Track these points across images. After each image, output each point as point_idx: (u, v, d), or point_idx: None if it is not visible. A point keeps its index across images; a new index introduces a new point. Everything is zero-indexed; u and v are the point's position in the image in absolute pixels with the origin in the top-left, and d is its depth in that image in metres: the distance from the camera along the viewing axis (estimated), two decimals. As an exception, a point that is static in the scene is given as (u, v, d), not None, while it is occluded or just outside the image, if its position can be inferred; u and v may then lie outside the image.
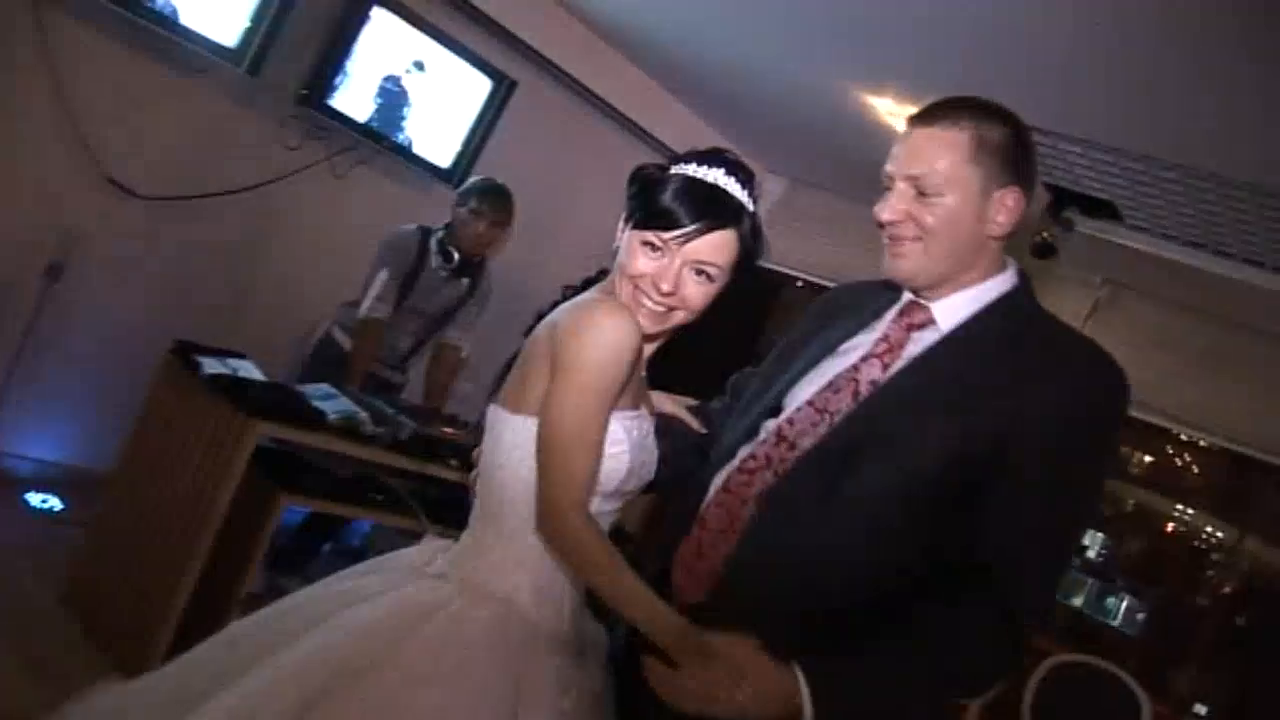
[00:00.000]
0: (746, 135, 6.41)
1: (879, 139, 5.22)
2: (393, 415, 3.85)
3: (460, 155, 5.23)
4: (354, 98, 4.80)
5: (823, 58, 4.65)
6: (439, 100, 5.11)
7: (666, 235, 1.80)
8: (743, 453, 1.88)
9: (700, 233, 1.80)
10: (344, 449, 3.68)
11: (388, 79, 4.93)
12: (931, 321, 1.85)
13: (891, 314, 1.91)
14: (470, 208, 4.64)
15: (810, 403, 1.84)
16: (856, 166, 5.85)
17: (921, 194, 1.79)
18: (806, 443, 1.79)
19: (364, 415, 3.73)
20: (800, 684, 1.59)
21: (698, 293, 1.84)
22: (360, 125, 4.80)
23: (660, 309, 1.84)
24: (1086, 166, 4.44)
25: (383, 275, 4.56)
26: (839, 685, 1.62)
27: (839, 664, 1.64)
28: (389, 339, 4.76)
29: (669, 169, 1.87)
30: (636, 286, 1.83)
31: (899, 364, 1.81)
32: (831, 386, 1.84)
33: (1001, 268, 1.86)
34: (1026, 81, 3.97)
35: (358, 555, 5.47)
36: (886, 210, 1.83)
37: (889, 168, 1.85)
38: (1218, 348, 5.56)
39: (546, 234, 5.85)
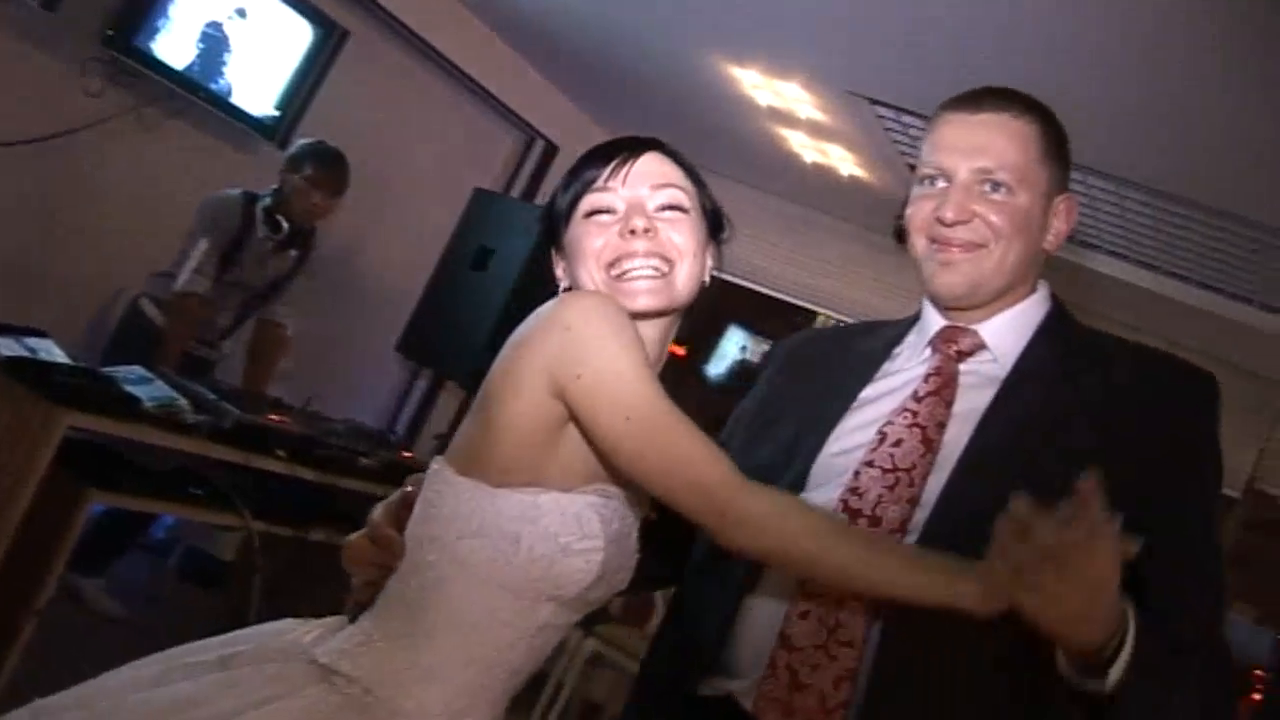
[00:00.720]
0: (599, 101, 6.25)
1: (742, 111, 5.20)
2: (214, 401, 3.57)
3: (285, 110, 4.87)
4: (168, 42, 4.39)
5: (683, 22, 4.50)
6: (263, 50, 4.73)
7: (600, 182, 1.51)
8: None
9: (625, 160, 1.52)
10: (161, 440, 3.37)
11: (209, 25, 4.54)
12: (982, 346, 1.62)
13: (923, 345, 1.67)
14: (305, 175, 4.43)
15: (870, 464, 1.52)
16: (711, 137, 5.79)
17: (991, 191, 1.57)
18: (894, 512, 1.46)
19: (183, 402, 3.42)
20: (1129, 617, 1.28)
21: (679, 229, 1.52)
22: (174, 72, 4.39)
23: (651, 269, 1.49)
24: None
25: (202, 245, 4.31)
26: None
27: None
28: (207, 315, 4.51)
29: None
30: (611, 265, 1.49)
31: (970, 397, 1.56)
32: (886, 440, 1.54)
33: (1035, 287, 1.68)
34: (904, 53, 3.92)
35: (163, 550, 5.12)
36: (950, 208, 1.56)
37: (943, 161, 1.60)
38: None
39: (378, 199, 5.57)
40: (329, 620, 1.54)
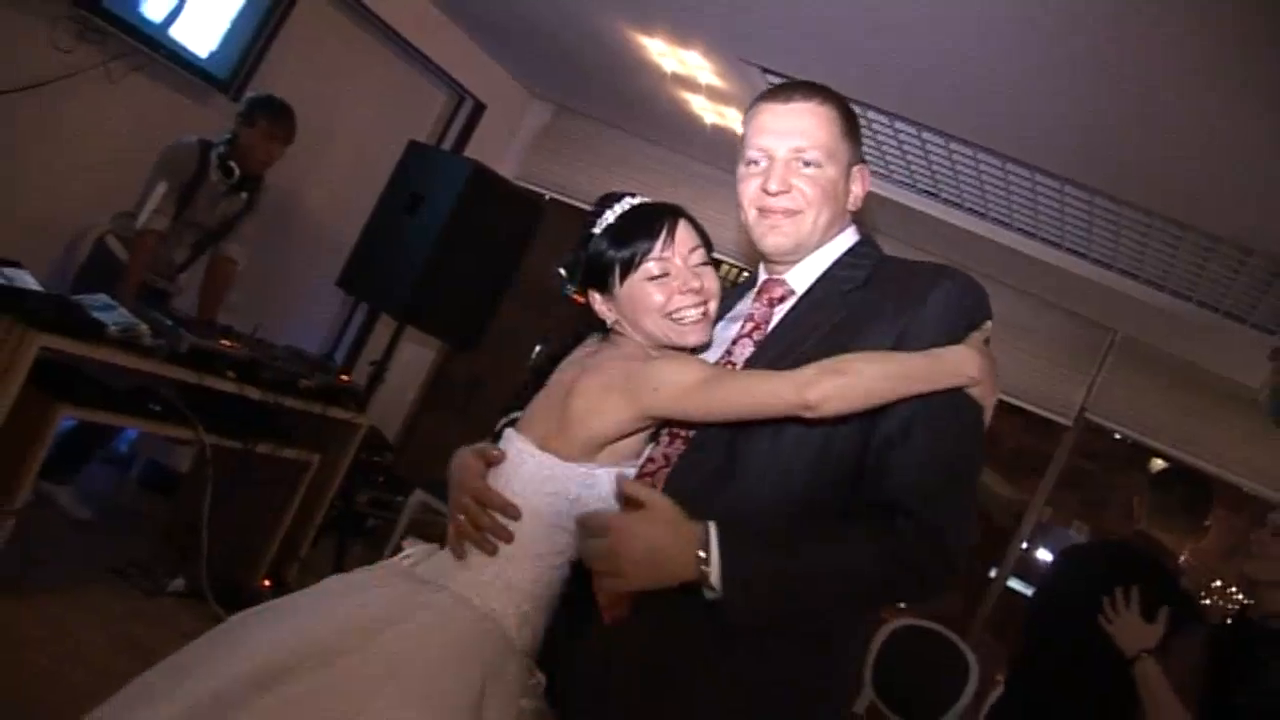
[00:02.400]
0: (525, 64, 6.35)
1: (646, 76, 5.31)
2: (171, 327, 3.72)
3: (239, 66, 4.94)
4: (133, 2, 4.43)
5: None
6: (219, 11, 4.82)
7: (657, 252, 1.85)
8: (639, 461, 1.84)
9: (671, 231, 1.86)
10: (124, 361, 3.52)
11: (166, -15, 4.60)
12: (791, 293, 1.87)
13: (749, 297, 1.93)
14: (259, 127, 4.57)
15: None
16: (621, 97, 5.94)
17: (804, 166, 1.81)
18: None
19: (143, 327, 3.58)
20: (711, 535, 1.56)
21: (709, 276, 1.89)
22: (138, 31, 4.46)
23: (700, 312, 1.86)
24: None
25: (161, 187, 4.40)
26: (750, 549, 1.57)
27: (755, 538, 1.59)
28: (165, 250, 4.60)
29: (593, 229, 1.92)
30: (670, 315, 1.85)
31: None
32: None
33: (844, 229, 1.90)
34: (791, 26, 4.04)
35: (125, 463, 5.29)
36: (775, 180, 1.81)
37: (764, 143, 1.84)
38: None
39: (321, 149, 5.66)
40: (420, 546, 1.95)
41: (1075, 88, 3.45)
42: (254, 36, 4.97)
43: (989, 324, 1.74)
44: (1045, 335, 5.85)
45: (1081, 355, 5.81)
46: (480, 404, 6.91)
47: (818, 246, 1.85)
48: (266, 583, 4.39)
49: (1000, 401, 5.69)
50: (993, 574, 5.97)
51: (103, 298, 3.60)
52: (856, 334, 1.70)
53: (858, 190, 1.88)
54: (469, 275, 4.76)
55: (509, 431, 1.90)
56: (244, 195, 4.72)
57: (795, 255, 1.86)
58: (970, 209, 5.02)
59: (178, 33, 4.62)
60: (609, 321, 1.92)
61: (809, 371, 1.62)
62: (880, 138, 4.60)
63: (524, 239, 5.07)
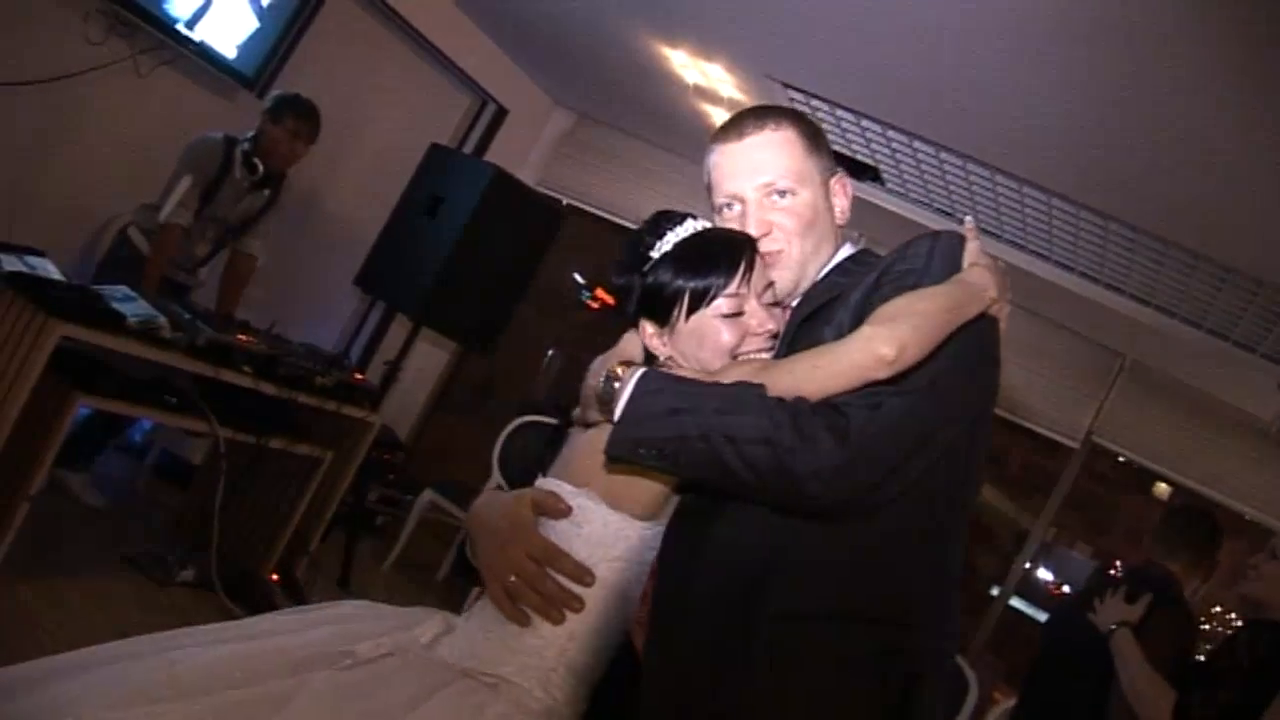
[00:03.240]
0: (548, 71, 6.33)
1: (670, 88, 5.29)
2: (190, 321, 3.69)
3: (265, 64, 4.93)
4: None
5: (621, 2, 4.55)
6: (247, 9, 4.79)
7: (731, 288, 1.64)
8: None
9: (750, 263, 1.66)
10: (142, 352, 3.49)
11: (198, -18, 4.58)
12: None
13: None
14: (286, 126, 4.54)
15: None
16: (644, 109, 5.94)
17: (778, 198, 1.71)
18: None
19: (163, 320, 3.55)
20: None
21: (780, 319, 1.70)
22: (168, 26, 4.45)
23: (770, 356, 1.66)
24: (857, 132, 4.55)
25: (185, 181, 4.38)
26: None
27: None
28: (187, 244, 4.59)
29: (649, 252, 1.71)
30: (738, 357, 1.65)
31: None
32: None
33: (840, 245, 1.79)
34: (819, 45, 4.01)
35: (140, 452, 5.28)
36: (752, 225, 1.70)
37: (731, 188, 1.73)
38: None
39: (344, 149, 5.67)
40: (435, 618, 1.70)
41: (1093, 112, 3.42)
42: (281, 35, 4.95)
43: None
44: (1056, 358, 5.81)
45: (1091, 379, 5.78)
46: (492, 407, 6.89)
47: (820, 271, 1.74)
48: (274, 577, 4.37)
49: (1008, 421, 5.66)
50: (995, 592, 5.93)
51: (123, 289, 3.58)
52: (839, 302, 1.60)
53: (842, 203, 1.78)
54: (486, 279, 4.73)
55: (553, 482, 1.67)
56: (266, 192, 4.70)
57: (798, 289, 1.74)
58: (985, 229, 4.99)
59: (205, 29, 4.60)
60: (660, 356, 1.70)
61: (870, 329, 1.43)
62: (899, 156, 4.57)
63: (542, 245, 5.04)
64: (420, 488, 5.52)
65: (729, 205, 1.74)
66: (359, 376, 4.48)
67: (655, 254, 1.70)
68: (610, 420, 1.46)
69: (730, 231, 1.71)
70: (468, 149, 6.51)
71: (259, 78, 4.92)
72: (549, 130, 6.98)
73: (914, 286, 1.51)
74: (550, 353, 6.58)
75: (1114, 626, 3.26)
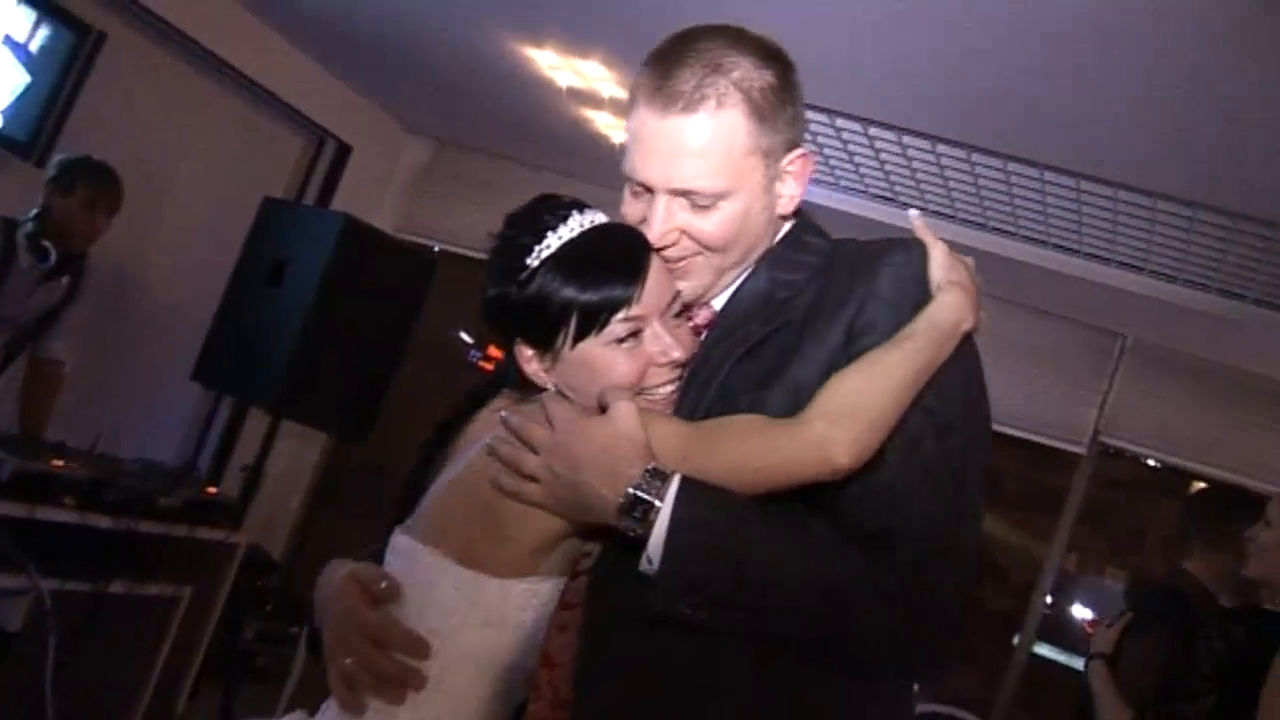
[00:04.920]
0: (386, 91, 6.32)
1: (541, 95, 5.31)
2: None
3: (40, 124, 4.82)
4: None
5: (470, 2, 4.55)
6: (8, 59, 4.68)
7: (631, 309, 1.53)
8: None
9: (645, 281, 1.54)
10: None
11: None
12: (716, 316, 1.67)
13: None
14: (78, 197, 4.45)
15: None
16: (514, 124, 5.95)
17: (694, 208, 1.56)
18: None
19: None
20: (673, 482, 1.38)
21: (688, 336, 1.60)
22: None
23: (676, 387, 1.58)
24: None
25: None
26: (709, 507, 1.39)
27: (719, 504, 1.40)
28: None
29: (527, 257, 1.57)
30: (639, 392, 1.55)
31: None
32: None
33: (774, 237, 1.67)
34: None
35: None
36: (653, 234, 1.55)
37: (637, 167, 1.58)
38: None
39: (155, 215, 5.59)
40: None
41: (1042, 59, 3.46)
42: (56, 87, 4.85)
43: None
44: (1043, 351, 5.83)
45: (1088, 369, 5.82)
46: (383, 498, 6.76)
47: (743, 273, 1.64)
48: (138, 754, 4.22)
49: (999, 435, 5.64)
50: (1015, 640, 5.89)
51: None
52: (794, 354, 1.51)
53: (793, 190, 1.62)
54: (350, 351, 4.64)
55: (404, 541, 1.62)
56: (65, 280, 4.60)
57: (710, 295, 1.65)
58: (935, 211, 5.01)
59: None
60: (542, 384, 1.60)
61: (824, 428, 1.37)
62: (821, 139, 4.58)
63: (413, 301, 4.97)
64: (308, 612, 5.36)
65: (636, 189, 1.60)
66: (212, 490, 4.45)
67: (533, 260, 1.56)
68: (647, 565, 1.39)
69: (621, 226, 1.60)
70: (309, 199, 6.48)
71: (34, 142, 4.82)
72: (404, 164, 6.98)
73: (887, 335, 1.48)
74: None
75: (1091, 657, 3.50)
